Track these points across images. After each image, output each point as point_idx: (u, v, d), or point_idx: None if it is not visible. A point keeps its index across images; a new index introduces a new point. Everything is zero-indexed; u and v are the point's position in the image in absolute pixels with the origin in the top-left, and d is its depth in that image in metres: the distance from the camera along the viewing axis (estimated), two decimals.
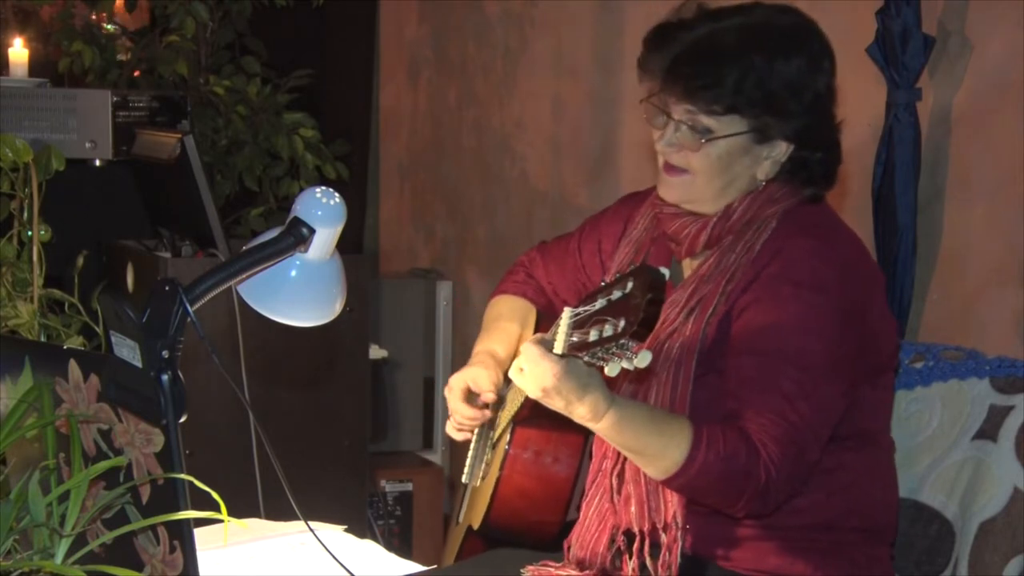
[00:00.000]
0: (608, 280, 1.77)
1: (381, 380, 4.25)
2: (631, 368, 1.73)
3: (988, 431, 2.21)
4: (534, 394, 1.90)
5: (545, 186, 4.33)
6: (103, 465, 1.52)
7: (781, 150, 2.12)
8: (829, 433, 2.05)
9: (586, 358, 1.78)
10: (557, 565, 2.20)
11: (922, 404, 2.31)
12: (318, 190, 1.76)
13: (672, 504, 2.06)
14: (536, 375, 1.86)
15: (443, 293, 4.55)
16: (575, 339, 1.78)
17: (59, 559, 1.51)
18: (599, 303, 1.75)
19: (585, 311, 1.77)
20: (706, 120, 2.08)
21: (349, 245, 3.40)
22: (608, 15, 3.97)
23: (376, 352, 3.61)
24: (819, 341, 2.01)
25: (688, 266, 2.20)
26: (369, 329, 3.39)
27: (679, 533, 2.05)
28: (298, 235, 1.72)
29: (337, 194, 1.77)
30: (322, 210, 1.74)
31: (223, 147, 4.21)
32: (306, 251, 1.75)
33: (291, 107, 4.24)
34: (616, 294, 1.72)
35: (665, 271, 1.71)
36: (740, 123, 2.09)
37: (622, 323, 1.69)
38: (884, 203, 2.87)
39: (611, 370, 1.75)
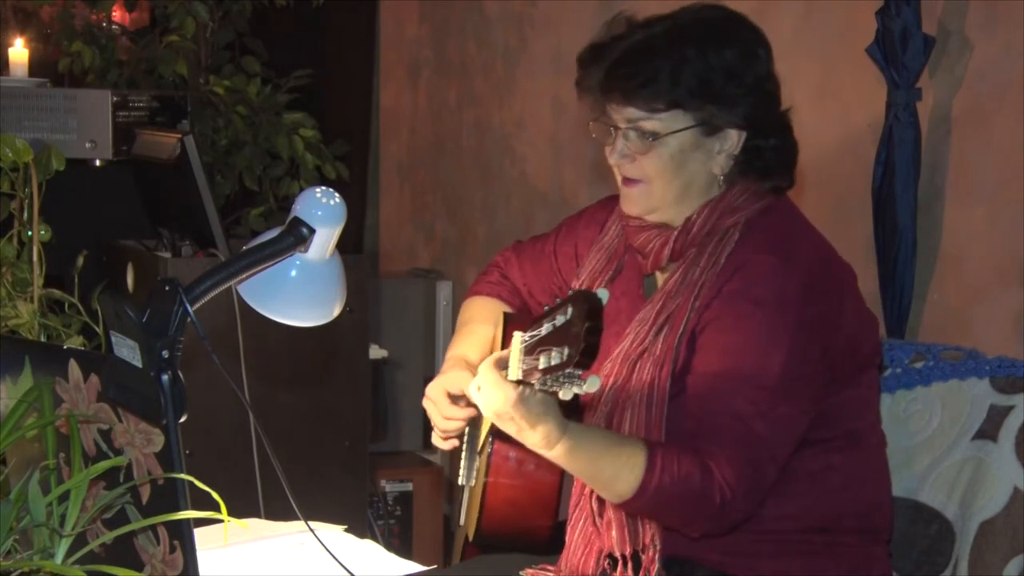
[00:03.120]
0: (550, 305, 1.77)
1: (381, 380, 4.25)
2: (582, 393, 1.73)
3: (988, 431, 2.21)
4: (488, 416, 1.92)
5: (545, 186, 4.33)
6: (103, 465, 1.52)
7: (733, 141, 2.11)
8: (789, 451, 2.04)
9: (538, 386, 1.78)
10: (555, 569, 2.20)
11: (922, 404, 2.31)
12: (318, 190, 1.76)
13: (651, 526, 2.06)
14: (490, 399, 1.87)
15: (443, 293, 4.55)
16: (526, 366, 1.78)
17: (59, 559, 1.51)
18: (544, 328, 1.75)
19: (533, 337, 1.77)
20: (650, 124, 2.09)
21: (349, 245, 3.40)
22: (608, 15, 3.96)
23: (376, 352, 3.61)
24: (777, 360, 2.00)
25: (661, 278, 2.19)
26: (369, 329, 3.39)
27: (656, 555, 2.05)
28: (298, 235, 1.72)
29: (337, 194, 1.77)
30: (322, 210, 1.74)
31: (223, 147, 4.21)
32: (306, 251, 1.75)
33: (291, 107, 4.24)
34: (559, 319, 1.72)
35: (604, 293, 1.70)
36: (684, 118, 2.08)
37: (566, 352, 1.69)
38: (884, 203, 2.86)
39: (565, 395, 1.75)
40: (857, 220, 2.97)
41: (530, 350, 1.77)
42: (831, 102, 3.12)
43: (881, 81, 2.89)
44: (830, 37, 3.15)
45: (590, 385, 1.72)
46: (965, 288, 2.84)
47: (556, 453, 1.92)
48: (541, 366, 1.73)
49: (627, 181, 2.15)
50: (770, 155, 2.13)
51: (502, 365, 1.86)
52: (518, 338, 1.81)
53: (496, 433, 2.26)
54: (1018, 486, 2.15)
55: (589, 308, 1.68)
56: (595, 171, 4.07)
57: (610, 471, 1.96)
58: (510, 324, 2.38)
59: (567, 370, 1.69)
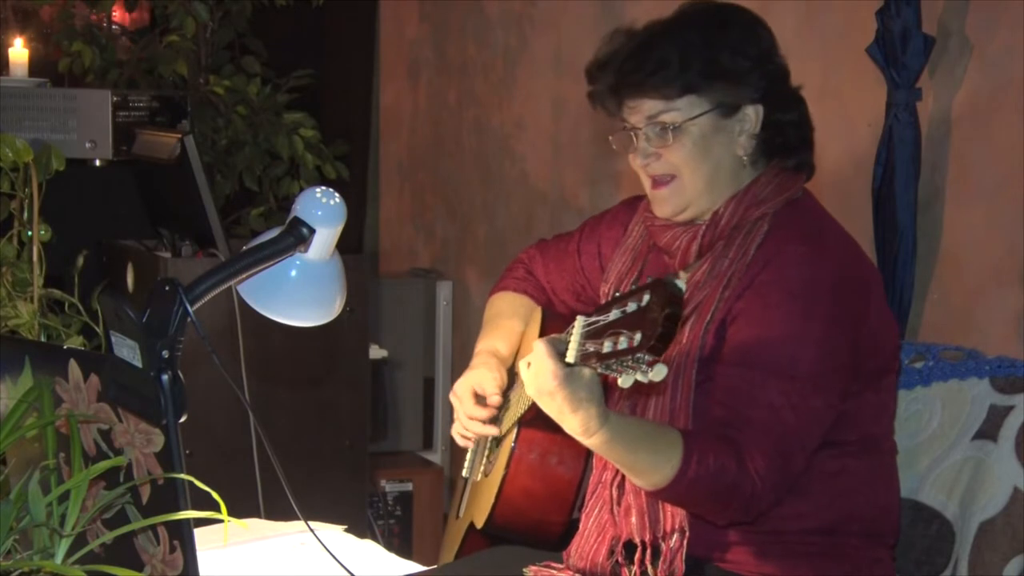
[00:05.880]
0: (623, 291, 1.77)
1: (381, 380, 4.26)
2: (645, 381, 1.71)
3: (988, 431, 2.21)
4: (530, 393, 1.90)
5: (545, 186, 4.33)
6: (103, 465, 1.52)
7: (752, 119, 2.13)
8: (816, 443, 2.05)
9: (600, 369, 1.77)
10: (559, 566, 2.20)
11: (922, 404, 2.31)
12: (318, 190, 1.76)
13: (674, 513, 2.06)
14: (538, 376, 1.85)
15: (443, 293, 4.55)
16: (589, 349, 1.77)
17: (59, 559, 1.51)
18: (613, 314, 1.74)
19: (599, 321, 1.76)
20: (668, 116, 2.10)
21: (349, 245, 3.40)
22: (608, 15, 3.97)
23: (376, 352, 3.61)
24: (807, 352, 2.01)
25: (685, 275, 2.20)
26: (369, 329, 3.39)
27: (683, 541, 2.05)
28: (298, 235, 1.72)
29: (337, 194, 1.77)
30: (322, 210, 1.74)
31: (223, 147, 4.21)
32: (306, 251, 1.75)
33: (291, 107, 4.24)
34: (631, 306, 1.71)
35: (682, 284, 1.70)
36: (700, 103, 2.10)
37: (638, 336, 1.68)
38: (884, 203, 2.86)
39: (624, 382, 1.73)
40: (857, 220, 2.96)
41: (595, 334, 1.76)
42: (831, 102, 3.12)
43: (881, 81, 2.89)
44: (830, 37, 3.15)
45: (656, 373, 1.70)
46: (965, 288, 2.84)
47: (594, 441, 1.91)
48: (605, 350, 1.72)
49: (656, 184, 2.16)
50: (790, 130, 2.16)
51: (558, 346, 1.85)
52: (580, 322, 1.79)
53: (523, 424, 2.27)
54: (1018, 486, 2.15)
55: (670, 295, 1.67)
56: (595, 171, 4.07)
57: (646, 462, 1.96)
58: (548, 321, 2.39)
59: (637, 355, 1.68)
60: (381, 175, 5.32)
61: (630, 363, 1.71)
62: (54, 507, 1.52)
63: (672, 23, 2.14)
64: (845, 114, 3.10)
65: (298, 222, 1.73)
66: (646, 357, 1.69)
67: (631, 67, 2.11)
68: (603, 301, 2.03)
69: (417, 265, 5.01)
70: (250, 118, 4.19)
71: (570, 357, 1.81)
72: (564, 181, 4.24)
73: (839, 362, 2.05)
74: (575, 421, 1.87)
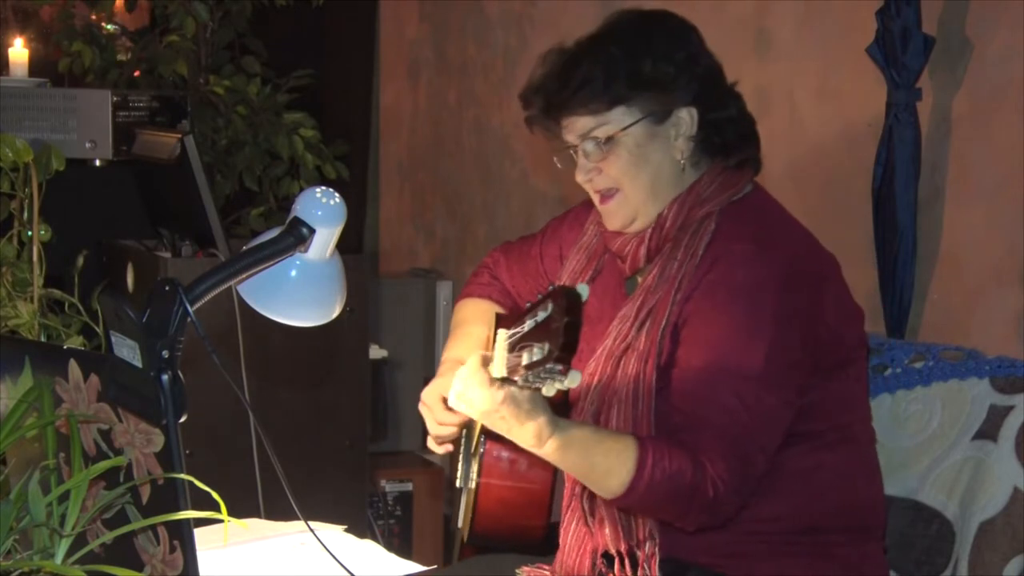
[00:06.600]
0: (532, 301, 1.78)
1: (381, 380, 4.25)
2: (563, 388, 1.72)
3: (988, 431, 2.21)
4: (474, 416, 1.91)
5: (545, 186, 4.33)
6: (103, 465, 1.52)
7: (687, 122, 2.12)
8: (777, 442, 2.04)
9: (521, 382, 1.78)
10: (550, 567, 2.20)
11: (922, 404, 2.31)
12: (318, 190, 1.76)
13: (646, 522, 2.06)
14: (477, 399, 1.86)
15: (443, 293, 4.55)
16: (510, 363, 1.78)
17: (59, 559, 1.51)
18: (527, 324, 1.75)
19: (516, 333, 1.77)
20: (601, 130, 2.11)
21: (349, 245, 3.40)
22: (608, 15, 3.97)
23: (376, 352, 3.61)
24: (759, 350, 2.00)
25: (640, 278, 2.19)
26: (369, 329, 3.39)
27: (655, 547, 2.05)
28: (298, 235, 1.73)
29: (337, 194, 1.77)
30: (322, 210, 1.74)
31: (223, 147, 4.21)
32: (306, 251, 1.75)
33: (291, 107, 4.24)
34: (540, 316, 1.73)
35: (584, 289, 1.70)
36: (630, 113, 2.11)
37: (547, 347, 1.69)
38: (884, 203, 2.86)
39: (547, 391, 1.74)
40: (857, 220, 2.97)
41: (513, 347, 1.77)
42: (831, 102, 3.12)
43: (881, 81, 2.88)
44: (830, 37, 3.15)
45: (571, 380, 1.71)
46: (965, 288, 2.84)
47: (547, 450, 1.92)
48: (524, 362, 1.73)
49: (603, 198, 2.17)
50: (728, 128, 2.15)
51: (488, 363, 1.86)
52: (503, 335, 1.81)
53: (488, 434, 2.27)
54: (1018, 486, 2.15)
55: (568, 303, 1.68)
56: None
57: (602, 467, 1.96)
58: (500, 324, 2.38)
59: (547, 365, 1.69)
60: (381, 175, 5.32)
61: (544, 374, 1.71)
62: (54, 507, 1.52)
63: (596, 38, 2.17)
64: (845, 114, 3.10)
65: (298, 222, 1.73)
66: (557, 367, 1.69)
67: (557, 87, 2.13)
68: None
69: (417, 265, 5.01)
70: (250, 118, 4.19)
71: (497, 372, 1.82)
72: (564, 181, 4.23)
73: (792, 359, 2.03)
74: (526, 432, 1.89)
